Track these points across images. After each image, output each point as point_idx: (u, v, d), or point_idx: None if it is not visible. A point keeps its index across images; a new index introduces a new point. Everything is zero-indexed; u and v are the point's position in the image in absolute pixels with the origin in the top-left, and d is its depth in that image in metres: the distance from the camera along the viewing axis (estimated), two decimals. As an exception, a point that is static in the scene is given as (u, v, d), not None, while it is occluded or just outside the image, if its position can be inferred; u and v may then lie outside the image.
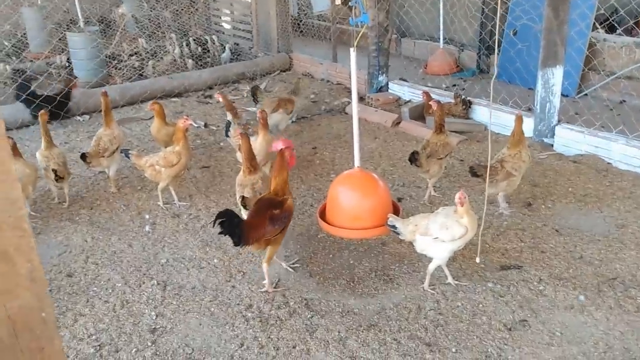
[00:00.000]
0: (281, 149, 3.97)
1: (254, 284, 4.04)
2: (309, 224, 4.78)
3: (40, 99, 6.88)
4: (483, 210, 3.95)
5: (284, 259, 4.25)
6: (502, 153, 4.78)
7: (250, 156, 4.46)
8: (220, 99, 5.99)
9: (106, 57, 8.56)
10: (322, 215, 4.17)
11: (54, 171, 4.96)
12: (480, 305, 3.75)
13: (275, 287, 4.00)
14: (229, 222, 3.67)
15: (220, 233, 3.70)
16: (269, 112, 6.36)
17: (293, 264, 4.25)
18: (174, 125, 5.37)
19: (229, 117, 5.91)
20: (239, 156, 5.52)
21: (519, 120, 4.75)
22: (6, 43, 9.18)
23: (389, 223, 3.79)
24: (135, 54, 9.14)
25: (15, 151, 4.69)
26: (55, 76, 8.31)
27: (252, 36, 10.16)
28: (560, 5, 5.77)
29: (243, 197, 4.18)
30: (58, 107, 6.99)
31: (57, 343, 1.18)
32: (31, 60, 8.93)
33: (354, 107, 4.07)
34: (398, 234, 3.80)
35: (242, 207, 4.20)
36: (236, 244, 3.69)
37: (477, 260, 3.97)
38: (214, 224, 3.68)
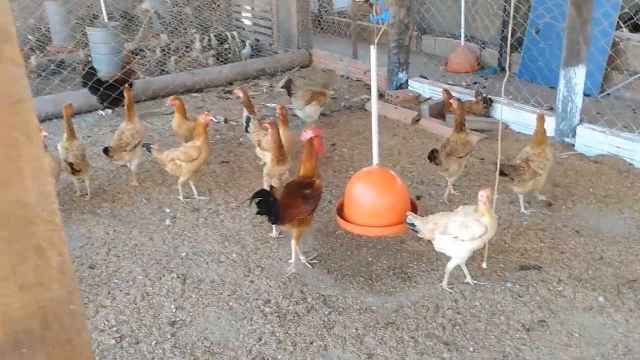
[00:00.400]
0: (310, 137, 4.06)
1: (272, 279, 4.07)
2: (327, 220, 4.79)
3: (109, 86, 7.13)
4: (495, 207, 3.92)
5: (302, 254, 4.27)
6: (525, 152, 4.75)
7: (279, 146, 4.51)
8: (240, 95, 6.02)
9: (129, 52, 8.63)
10: (340, 212, 4.19)
11: (70, 164, 5.03)
12: (499, 305, 3.74)
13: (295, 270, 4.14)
14: (265, 202, 3.81)
15: (257, 213, 3.84)
16: (303, 105, 6.53)
17: (312, 259, 4.27)
18: (195, 121, 5.41)
19: (246, 112, 5.98)
20: (259, 152, 5.55)
21: (541, 119, 4.72)
22: (30, 37, 9.29)
23: (407, 221, 3.79)
24: (164, 50, 9.18)
25: (40, 144, 4.76)
26: (80, 70, 8.40)
27: (273, 32, 10.18)
28: (583, 4, 5.70)
29: (272, 187, 4.20)
30: (120, 95, 7.10)
31: (84, 335, 1.21)
32: (56, 54, 9.03)
33: (374, 105, 4.07)
34: (417, 232, 3.80)
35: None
36: (273, 222, 3.90)
37: (484, 265, 3.94)
38: (251, 203, 3.83)
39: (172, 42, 9.52)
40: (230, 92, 8.28)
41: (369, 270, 4.14)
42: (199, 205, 5.13)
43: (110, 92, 7.04)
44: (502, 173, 4.52)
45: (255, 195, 3.85)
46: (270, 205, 3.82)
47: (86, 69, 7.29)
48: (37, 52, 8.90)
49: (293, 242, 4.10)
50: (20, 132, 1.00)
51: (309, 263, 4.23)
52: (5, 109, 0.99)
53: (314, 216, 4.21)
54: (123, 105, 6.72)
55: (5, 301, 1.08)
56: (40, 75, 7.92)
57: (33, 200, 1.05)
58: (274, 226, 4.61)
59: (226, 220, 4.89)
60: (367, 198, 4.05)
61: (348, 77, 8.80)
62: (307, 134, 4.11)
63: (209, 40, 9.69)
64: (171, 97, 5.85)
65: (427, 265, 4.17)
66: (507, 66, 3.87)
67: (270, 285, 4.00)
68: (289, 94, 6.74)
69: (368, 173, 4.20)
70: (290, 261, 4.17)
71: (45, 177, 1.06)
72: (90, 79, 7.08)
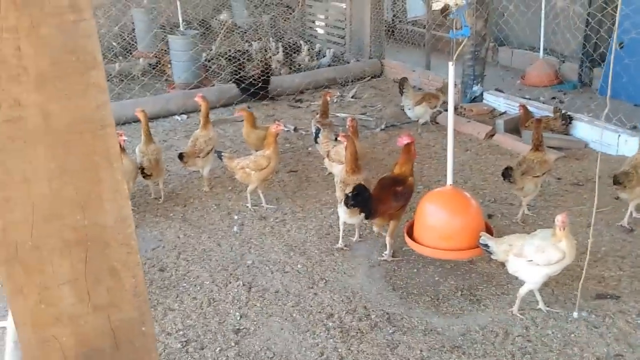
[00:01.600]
0: (407, 142, 4.26)
1: (336, 292, 4.04)
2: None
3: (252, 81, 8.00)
4: (589, 240, 3.72)
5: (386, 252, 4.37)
6: (634, 158, 4.67)
7: (355, 157, 4.59)
8: (328, 98, 6.28)
9: (206, 60, 8.87)
10: (410, 230, 4.14)
11: (142, 168, 5.17)
12: (572, 335, 3.54)
13: (393, 257, 4.41)
14: (362, 197, 4.05)
15: (351, 205, 4.10)
16: (413, 104, 6.90)
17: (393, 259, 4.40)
18: (265, 129, 5.47)
19: (316, 118, 6.12)
20: (327, 163, 5.54)
21: None
22: (114, 44, 9.72)
23: (481, 242, 3.70)
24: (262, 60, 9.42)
25: (119, 148, 4.93)
26: (158, 76, 8.71)
27: (345, 42, 10.18)
28: (677, 18, 5.36)
29: (347, 196, 4.20)
30: (260, 89, 8.05)
31: (154, 356, 1.21)
32: (138, 59, 9.38)
33: (450, 124, 3.98)
34: (490, 253, 3.68)
35: (344, 205, 4.25)
36: (366, 216, 4.18)
37: (575, 315, 3.71)
38: (352, 196, 4.05)
39: (277, 50, 9.68)
40: (300, 100, 8.34)
41: (436, 290, 4.04)
42: (267, 214, 5.17)
43: (251, 87, 7.97)
44: (616, 182, 4.53)
45: (354, 190, 4.08)
46: (366, 200, 4.05)
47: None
48: (121, 57, 9.29)
49: (388, 238, 4.35)
50: (102, 156, 1.01)
51: (394, 257, 4.40)
52: (90, 134, 1.00)
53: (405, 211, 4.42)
54: (262, 98, 7.85)
55: (79, 321, 1.09)
56: (122, 81, 8.25)
57: (111, 223, 1.06)
58: (340, 238, 4.59)
59: (292, 230, 4.90)
60: (441, 220, 4.00)
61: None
62: (404, 140, 4.29)
63: (285, 49, 9.78)
64: (240, 107, 5.95)
65: (497, 289, 4.01)
66: (607, 95, 3.65)
67: (333, 299, 3.97)
68: (401, 92, 7.05)
69: (442, 194, 4.16)
70: (385, 252, 4.43)
71: (123, 201, 1.07)
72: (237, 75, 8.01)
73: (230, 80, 8.17)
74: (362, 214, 4.27)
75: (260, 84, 8.02)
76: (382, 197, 4.15)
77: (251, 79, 7.96)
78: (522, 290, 3.68)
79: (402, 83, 7.05)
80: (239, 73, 8.04)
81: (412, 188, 4.30)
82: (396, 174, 4.28)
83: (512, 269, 3.68)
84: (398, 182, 4.21)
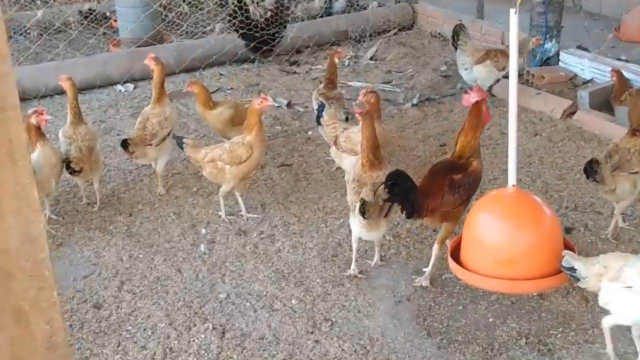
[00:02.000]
0: (476, 100, 4.25)
1: (346, 339, 4.06)
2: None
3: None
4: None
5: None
6: None
7: (374, 144, 4.56)
8: (337, 59, 6.30)
9: (160, 6, 8.90)
10: (455, 251, 4.17)
11: (68, 161, 5.12)
12: (686, 403, 3.56)
13: (432, 284, 4.47)
14: (400, 187, 4.07)
15: (387, 200, 4.17)
16: (471, 63, 6.95)
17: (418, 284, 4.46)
18: (233, 106, 5.49)
19: (320, 89, 6.14)
20: (333, 152, 5.54)
21: None
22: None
23: (564, 263, 3.70)
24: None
25: (39, 132, 4.93)
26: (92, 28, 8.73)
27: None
28: None
29: (363, 202, 4.19)
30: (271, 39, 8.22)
31: None
32: (65, 4, 9.43)
33: (512, 97, 3.97)
34: (578, 279, 3.70)
35: (360, 215, 4.26)
36: (409, 215, 4.21)
37: None
38: (389, 185, 4.08)
39: None
40: (296, 63, 8.35)
41: (490, 336, 4.05)
42: (247, 227, 5.19)
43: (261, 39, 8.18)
44: None
45: (389, 177, 4.10)
46: (407, 192, 4.09)
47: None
48: (40, 2, 9.32)
49: (435, 247, 4.43)
50: (1, 151, 1.01)
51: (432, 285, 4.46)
52: (-17, 119, 1.00)
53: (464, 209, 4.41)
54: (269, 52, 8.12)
55: (-29, 385, 1.10)
56: (41, 35, 8.28)
57: (14, 245, 1.06)
58: (353, 261, 4.60)
59: (284, 249, 4.92)
60: (499, 237, 4.02)
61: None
62: (472, 97, 4.28)
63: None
64: (189, 80, 5.97)
65: (577, 335, 4.03)
66: None
67: (343, 349, 3.98)
68: (455, 45, 7.08)
69: (500, 199, 4.17)
70: (424, 269, 4.50)
71: (33, 214, 1.07)
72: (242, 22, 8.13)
73: (232, 25, 8.22)
74: (383, 223, 4.27)
75: (274, 32, 8.13)
76: (431, 190, 4.19)
77: (263, 23, 8.03)
78: (606, 323, 3.67)
79: (457, 31, 7.10)
80: (241, 15, 8.06)
81: (479, 175, 4.34)
82: (458, 150, 4.31)
83: (603, 300, 3.68)
84: (457, 168, 4.24)
